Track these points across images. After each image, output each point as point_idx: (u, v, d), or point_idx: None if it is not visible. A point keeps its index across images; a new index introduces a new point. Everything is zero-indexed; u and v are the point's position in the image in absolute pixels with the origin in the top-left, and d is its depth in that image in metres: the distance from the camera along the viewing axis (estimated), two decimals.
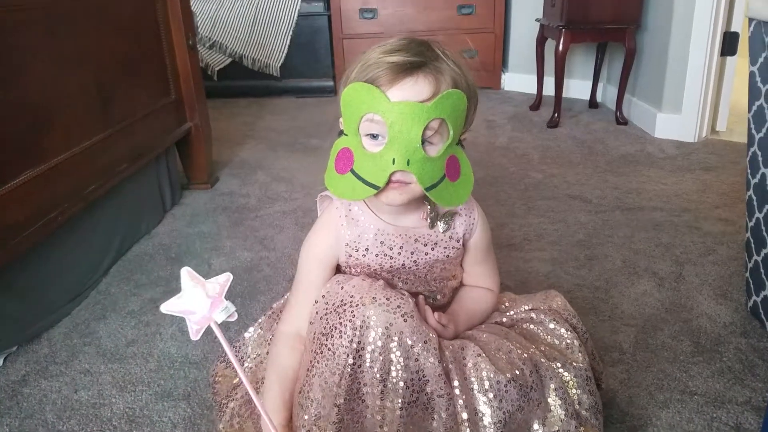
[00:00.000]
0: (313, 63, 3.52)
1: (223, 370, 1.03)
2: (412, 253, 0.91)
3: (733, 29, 2.43)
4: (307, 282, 0.92)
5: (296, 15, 3.40)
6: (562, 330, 0.94)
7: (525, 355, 0.86)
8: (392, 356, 0.79)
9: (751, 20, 1.16)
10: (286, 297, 1.05)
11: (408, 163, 0.78)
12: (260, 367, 0.99)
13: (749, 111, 1.21)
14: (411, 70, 0.78)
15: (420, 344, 0.80)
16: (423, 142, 0.79)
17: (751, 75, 1.18)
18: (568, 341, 0.93)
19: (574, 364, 0.90)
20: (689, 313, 1.31)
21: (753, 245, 1.25)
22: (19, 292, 1.25)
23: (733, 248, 1.58)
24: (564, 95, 2.94)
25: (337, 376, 0.79)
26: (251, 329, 1.03)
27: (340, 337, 0.80)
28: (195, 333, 0.65)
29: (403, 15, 3.42)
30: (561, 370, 0.88)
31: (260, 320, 1.04)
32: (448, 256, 0.94)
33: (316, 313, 0.86)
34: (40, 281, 1.32)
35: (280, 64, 3.45)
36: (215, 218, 1.88)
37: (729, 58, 2.49)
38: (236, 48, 3.44)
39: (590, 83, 3.20)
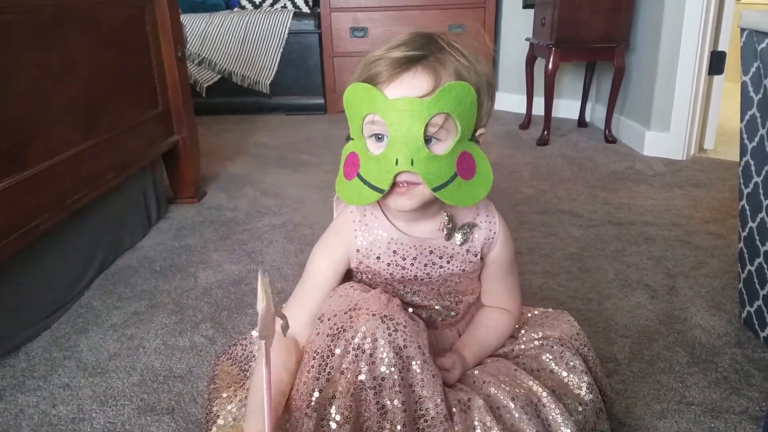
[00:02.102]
0: (304, 80, 3.52)
1: (228, 367, 1.00)
2: (425, 265, 0.88)
3: (720, 48, 2.46)
4: (313, 282, 0.89)
5: (287, 32, 3.40)
6: (575, 363, 0.89)
7: (531, 407, 0.82)
8: (396, 378, 0.76)
9: (743, 30, 1.16)
10: None
11: (412, 163, 0.75)
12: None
13: (741, 121, 1.21)
14: (409, 65, 0.76)
15: (429, 377, 0.77)
16: (430, 140, 0.76)
17: (743, 85, 1.18)
18: (577, 380, 0.88)
19: (583, 401, 0.87)
20: (683, 324, 1.29)
21: (746, 255, 1.24)
22: None
23: (725, 261, 1.58)
24: (553, 115, 2.95)
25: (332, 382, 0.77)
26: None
27: (347, 340, 0.77)
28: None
29: (393, 34, 3.37)
30: (570, 408, 0.85)
31: None
32: (464, 270, 0.90)
33: (323, 315, 0.82)
34: (20, 293, 1.28)
35: (269, 81, 3.45)
36: (202, 232, 1.85)
37: (716, 77, 2.52)
38: (225, 65, 3.44)
39: (579, 103, 3.22)
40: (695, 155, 2.58)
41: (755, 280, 1.21)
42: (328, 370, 0.78)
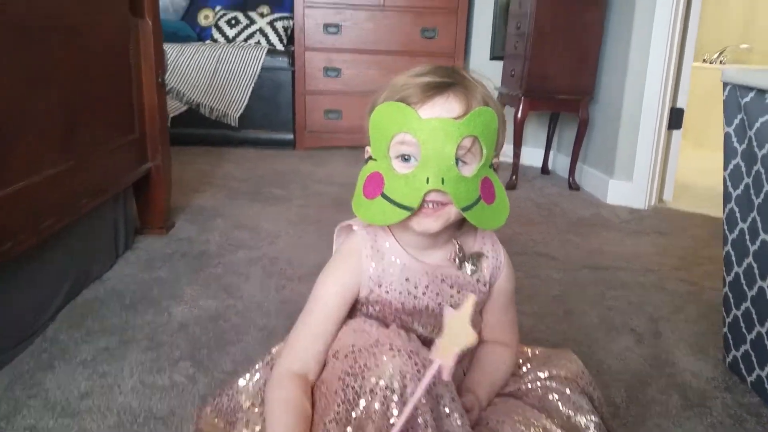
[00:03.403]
0: (274, 116, 3.49)
1: (212, 420, 0.92)
2: (437, 294, 0.85)
3: (678, 105, 2.59)
4: (324, 312, 0.84)
5: (260, 68, 3.39)
6: (582, 403, 0.88)
7: None
8: (428, 419, 0.72)
9: (725, 84, 1.22)
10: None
11: (443, 182, 0.74)
12: (255, 420, 0.89)
13: (725, 169, 1.25)
14: (441, 89, 0.77)
15: (457, 416, 0.74)
16: (457, 162, 0.76)
17: (727, 136, 1.23)
18: (585, 421, 0.86)
19: None
20: (672, 368, 1.31)
21: (732, 300, 1.27)
22: None
23: (701, 307, 1.61)
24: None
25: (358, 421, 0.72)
26: (246, 377, 0.94)
27: (373, 381, 0.72)
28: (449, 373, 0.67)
29: (366, 76, 3.47)
30: None
31: (257, 366, 0.94)
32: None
33: (338, 352, 0.78)
34: None
35: (239, 114, 3.41)
36: (173, 264, 1.77)
37: (674, 132, 2.64)
38: (194, 96, 3.38)
39: (542, 151, 3.31)
40: (656, 205, 2.67)
41: (742, 324, 1.23)
42: (355, 415, 0.72)
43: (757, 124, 1.12)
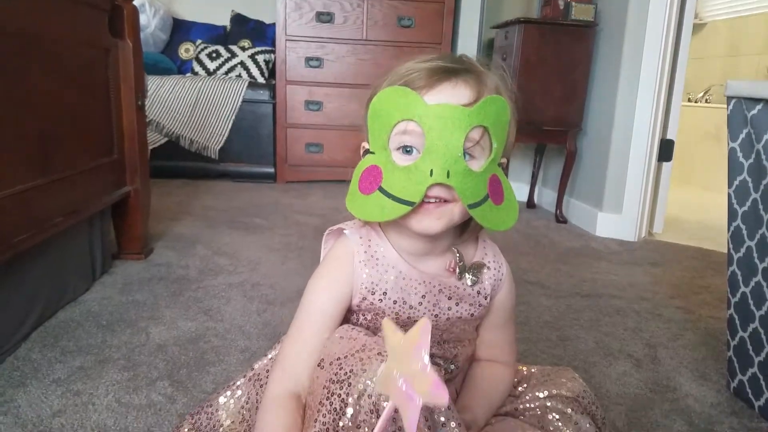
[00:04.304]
0: (255, 149, 3.45)
1: None
2: (434, 305, 0.79)
3: (668, 137, 2.59)
4: (319, 322, 0.77)
5: (241, 100, 3.36)
6: (584, 423, 0.81)
7: None
8: (422, 427, 0.65)
9: (729, 99, 1.20)
10: (270, 356, 0.88)
11: (448, 175, 0.68)
12: None
13: (729, 186, 1.23)
14: (449, 75, 0.71)
15: (453, 423, 0.67)
16: (464, 156, 0.69)
17: (732, 151, 1.21)
18: None
19: None
20: (674, 393, 1.25)
21: (738, 322, 1.22)
22: None
23: (699, 335, 1.56)
24: None
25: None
26: (227, 394, 0.86)
27: (360, 387, 0.65)
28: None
29: (348, 110, 3.46)
30: None
31: (238, 383, 0.87)
32: (472, 314, 0.82)
33: (323, 360, 0.71)
34: None
35: (219, 147, 3.36)
36: (151, 288, 1.69)
37: (664, 164, 2.64)
38: (174, 128, 3.33)
39: (527, 186, 3.30)
40: (646, 237, 2.65)
41: (749, 346, 1.19)
42: (342, 424, 0.65)
43: (766, 137, 1.10)
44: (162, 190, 3.07)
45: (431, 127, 0.68)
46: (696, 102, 4.72)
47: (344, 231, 0.82)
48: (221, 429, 0.85)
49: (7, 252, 1.19)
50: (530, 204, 3.26)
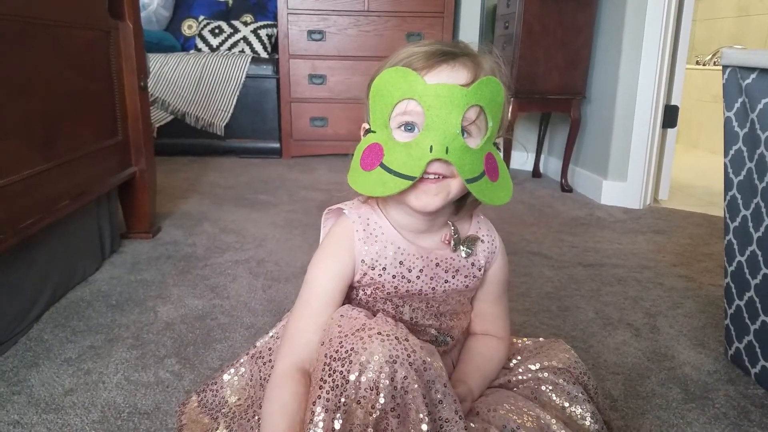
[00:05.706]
0: (260, 124, 3.46)
1: (197, 415, 0.88)
2: (431, 278, 0.82)
3: (673, 103, 2.57)
4: (322, 301, 0.79)
5: (244, 76, 3.36)
6: (576, 393, 0.83)
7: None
8: (419, 403, 0.68)
9: (725, 67, 1.19)
10: (272, 334, 0.91)
11: (447, 151, 0.71)
12: (241, 415, 0.84)
13: (725, 156, 1.23)
14: (448, 57, 0.74)
15: (450, 402, 0.70)
16: (462, 133, 0.72)
17: (727, 120, 1.21)
18: (581, 411, 0.82)
19: (590, 431, 0.81)
20: (671, 361, 1.27)
21: (734, 290, 1.23)
22: None
23: (699, 303, 1.58)
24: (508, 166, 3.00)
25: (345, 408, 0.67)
26: (231, 371, 0.89)
27: (361, 364, 0.67)
28: None
29: (351, 83, 3.45)
30: None
31: (242, 360, 0.90)
32: (467, 286, 0.86)
33: (325, 338, 0.73)
34: None
35: (224, 124, 3.37)
36: (159, 266, 1.72)
37: (669, 131, 2.62)
38: (179, 105, 3.35)
39: (533, 155, 3.29)
40: (651, 205, 2.65)
41: (745, 314, 1.20)
42: (343, 400, 0.68)
43: (760, 106, 1.09)
44: (169, 168, 3.10)
45: (431, 106, 0.71)
46: (705, 65, 4.65)
47: (343, 210, 0.84)
48: (226, 406, 0.89)
49: (16, 236, 1.22)
50: (536, 173, 3.26)
